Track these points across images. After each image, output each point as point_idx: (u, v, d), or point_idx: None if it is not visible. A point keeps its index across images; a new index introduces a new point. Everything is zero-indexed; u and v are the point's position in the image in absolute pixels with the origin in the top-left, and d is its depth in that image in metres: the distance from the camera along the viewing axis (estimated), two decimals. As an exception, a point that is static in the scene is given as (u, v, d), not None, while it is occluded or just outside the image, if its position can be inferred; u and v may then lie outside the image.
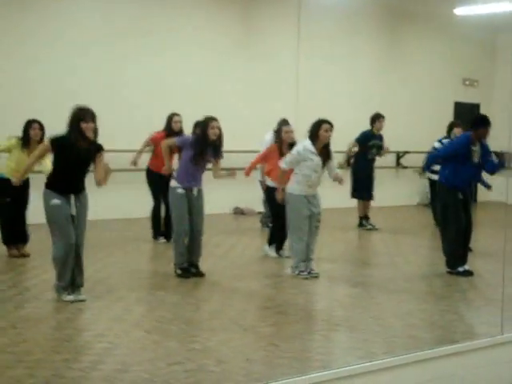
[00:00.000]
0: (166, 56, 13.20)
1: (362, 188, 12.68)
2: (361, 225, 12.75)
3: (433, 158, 9.69)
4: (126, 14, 12.75)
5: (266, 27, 14.43)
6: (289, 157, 8.61)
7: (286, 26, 14.09)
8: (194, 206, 8.25)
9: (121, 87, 12.66)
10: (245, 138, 12.97)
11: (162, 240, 10.48)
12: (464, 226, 8.81)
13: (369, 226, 12.66)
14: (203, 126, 8.19)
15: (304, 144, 8.50)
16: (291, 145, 9.16)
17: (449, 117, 16.67)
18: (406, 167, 16.51)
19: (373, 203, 12.96)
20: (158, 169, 9.54)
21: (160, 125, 10.48)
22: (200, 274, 8.24)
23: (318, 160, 8.44)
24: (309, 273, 8.44)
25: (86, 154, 6.92)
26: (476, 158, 8.82)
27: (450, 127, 11.62)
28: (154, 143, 10.39)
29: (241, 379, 5.13)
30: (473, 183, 10.39)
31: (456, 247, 8.81)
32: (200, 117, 8.50)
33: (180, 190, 8.18)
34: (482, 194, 17.07)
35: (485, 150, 8.93)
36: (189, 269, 8.25)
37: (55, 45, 12.09)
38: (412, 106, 16.64)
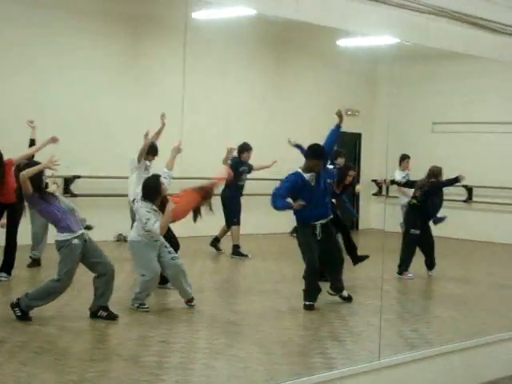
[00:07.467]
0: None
1: (234, 214, 12.35)
2: (236, 253, 12.29)
3: None
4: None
5: (153, 54, 14.34)
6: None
7: (172, 54, 14.03)
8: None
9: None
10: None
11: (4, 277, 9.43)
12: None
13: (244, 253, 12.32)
14: None
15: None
16: None
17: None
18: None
19: (250, 231, 12.99)
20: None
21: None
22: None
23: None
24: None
25: None
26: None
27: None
28: None
29: (119, 411, 5.03)
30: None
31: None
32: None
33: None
34: (362, 221, 17.53)
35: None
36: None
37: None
38: (296, 135, 16.80)
